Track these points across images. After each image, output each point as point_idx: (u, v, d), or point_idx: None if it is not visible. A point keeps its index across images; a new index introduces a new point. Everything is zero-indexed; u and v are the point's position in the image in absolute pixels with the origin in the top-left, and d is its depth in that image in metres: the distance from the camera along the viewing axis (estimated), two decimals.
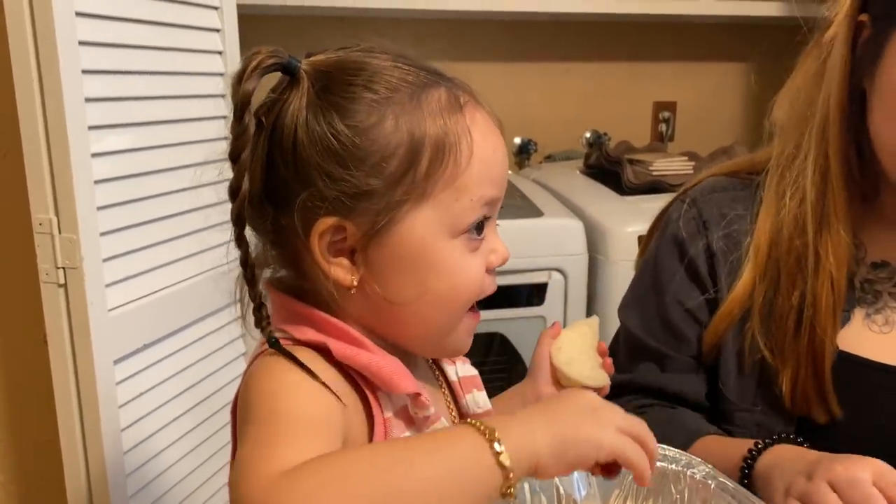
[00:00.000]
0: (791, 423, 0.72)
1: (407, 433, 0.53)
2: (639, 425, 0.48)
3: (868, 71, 0.68)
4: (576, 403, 0.48)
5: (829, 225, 0.71)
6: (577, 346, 0.63)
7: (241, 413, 0.50)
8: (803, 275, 0.71)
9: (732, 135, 2.15)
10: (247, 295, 0.54)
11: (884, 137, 0.68)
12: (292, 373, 0.49)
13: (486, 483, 0.43)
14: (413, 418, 0.54)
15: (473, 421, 0.45)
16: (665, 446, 0.55)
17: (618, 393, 0.81)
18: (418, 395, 0.53)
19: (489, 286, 0.56)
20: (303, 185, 0.51)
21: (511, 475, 0.43)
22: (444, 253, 0.53)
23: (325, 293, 0.54)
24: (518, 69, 2.11)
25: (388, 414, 0.53)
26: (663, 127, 2.23)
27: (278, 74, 0.54)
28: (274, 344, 0.51)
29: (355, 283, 0.53)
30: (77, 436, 1.03)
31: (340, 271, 0.52)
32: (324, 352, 0.52)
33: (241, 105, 0.50)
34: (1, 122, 1.05)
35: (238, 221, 0.51)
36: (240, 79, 0.50)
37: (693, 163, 1.79)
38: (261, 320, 0.53)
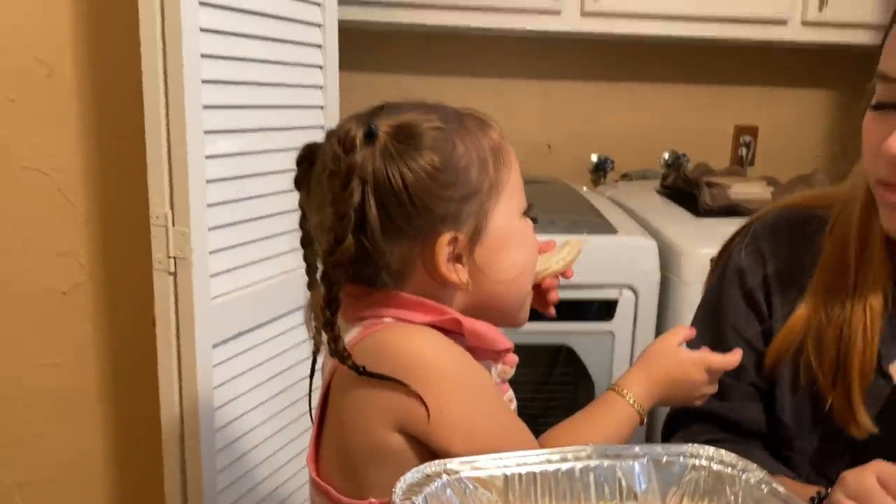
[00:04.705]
0: (847, 450, 0.75)
1: None
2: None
3: None
4: (681, 383, 0.75)
5: (868, 250, 0.74)
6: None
7: (416, 372, 0.62)
8: (841, 298, 0.75)
9: (814, 163, 2.13)
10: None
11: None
12: (450, 344, 0.65)
13: (634, 427, 0.73)
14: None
15: (624, 393, 0.73)
16: (723, 451, 0.59)
17: (685, 420, 0.86)
18: (509, 349, 0.70)
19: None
20: (422, 213, 0.63)
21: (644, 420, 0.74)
22: (520, 230, 0.69)
23: (427, 292, 0.67)
24: (599, 88, 2.14)
25: None
26: (743, 151, 2.22)
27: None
28: (363, 372, 0.62)
29: (469, 280, 0.66)
30: (176, 412, 1.13)
31: (459, 274, 0.65)
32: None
33: (347, 173, 0.61)
34: (127, 123, 1.16)
35: (337, 266, 0.62)
36: (347, 150, 0.61)
37: (772, 188, 1.79)
38: (338, 344, 0.64)
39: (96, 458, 1.42)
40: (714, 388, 0.77)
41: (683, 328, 0.79)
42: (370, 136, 0.62)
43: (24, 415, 1.38)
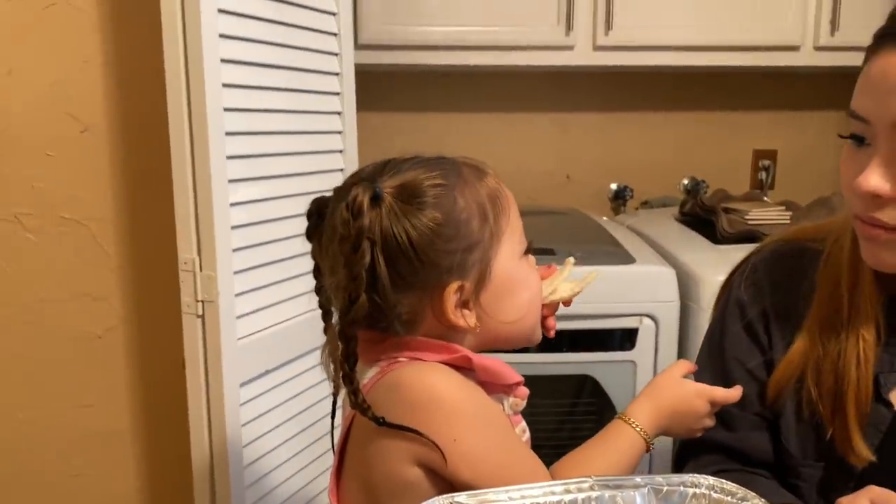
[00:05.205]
0: (851, 478, 0.76)
1: None
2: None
3: None
4: (685, 414, 0.78)
5: (859, 282, 0.76)
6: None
7: (427, 406, 0.65)
8: (836, 330, 0.76)
9: (834, 184, 2.12)
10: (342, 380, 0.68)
11: None
12: (461, 379, 0.68)
13: (640, 454, 0.76)
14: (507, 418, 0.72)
15: (631, 422, 0.76)
16: (723, 480, 0.61)
17: (693, 452, 0.88)
18: (520, 383, 0.72)
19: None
20: (428, 267, 0.67)
21: (652, 448, 0.77)
22: (522, 271, 0.72)
23: (438, 335, 0.70)
24: (616, 118, 2.16)
25: None
26: (763, 175, 2.22)
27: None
28: (382, 423, 0.66)
29: (478, 323, 0.70)
30: (206, 450, 1.17)
31: (467, 319, 0.69)
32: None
33: (357, 237, 0.65)
34: (157, 175, 1.22)
35: (353, 324, 0.66)
36: (355, 215, 0.65)
37: (790, 212, 1.78)
38: (358, 396, 0.67)
39: (130, 497, 1.46)
40: (712, 421, 0.80)
41: (686, 362, 0.81)
42: (376, 200, 0.66)
43: (59, 455, 1.42)
